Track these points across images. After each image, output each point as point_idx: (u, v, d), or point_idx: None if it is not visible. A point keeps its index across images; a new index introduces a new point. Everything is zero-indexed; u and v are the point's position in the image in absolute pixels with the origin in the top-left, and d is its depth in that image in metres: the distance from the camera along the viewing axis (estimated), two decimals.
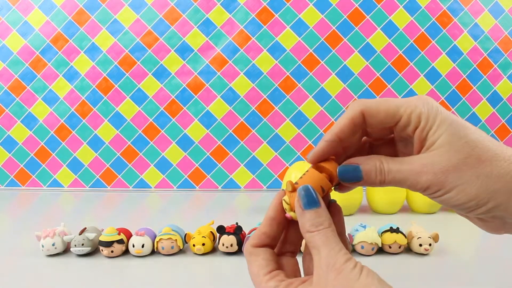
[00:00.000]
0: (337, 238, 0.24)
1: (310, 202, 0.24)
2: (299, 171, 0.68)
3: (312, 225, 0.24)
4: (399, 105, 0.25)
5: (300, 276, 0.27)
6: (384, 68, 0.91)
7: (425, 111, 0.24)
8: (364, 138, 0.29)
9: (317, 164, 0.27)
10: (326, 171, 0.26)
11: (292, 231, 0.28)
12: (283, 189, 0.27)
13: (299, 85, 0.92)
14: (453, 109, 0.92)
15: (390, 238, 0.48)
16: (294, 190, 0.26)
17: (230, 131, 0.93)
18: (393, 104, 0.25)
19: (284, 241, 0.28)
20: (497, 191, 0.23)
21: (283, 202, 0.26)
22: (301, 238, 0.28)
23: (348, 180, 0.26)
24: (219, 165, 0.94)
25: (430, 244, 0.48)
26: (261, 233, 0.27)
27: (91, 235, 0.49)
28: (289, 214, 0.26)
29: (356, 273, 0.22)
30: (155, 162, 0.95)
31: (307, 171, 0.27)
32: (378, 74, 0.92)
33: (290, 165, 0.93)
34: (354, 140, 0.28)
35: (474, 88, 0.92)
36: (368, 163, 0.26)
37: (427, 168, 0.24)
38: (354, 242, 0.48)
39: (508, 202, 0.23)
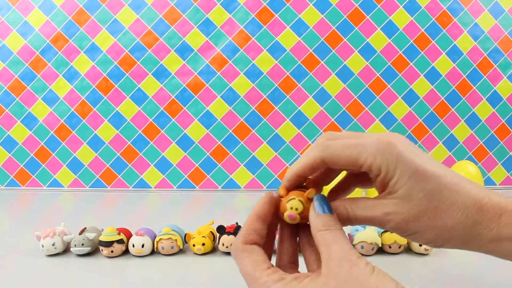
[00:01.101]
0: (348, 240, 0.25)
1: (324, 208, 0.26)
2: None
3: (325, 225, 0.25)
4: (359, 154, 0.26)
5: None
6: (384, 68, 0.91)
7: (384, 163, 0.26)
8: None
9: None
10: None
11: (287, 243, 0.29)
12: (269, 191, 0.29)
13: (299, 85, 0.92)
14: (453, 109, 0.92)
15: (390, 238, 0.48)
16: (311, 200, 0.28)
17: (230, 131, 0.93)
18: (354, 152, 0.26)
19: (283, 253, 0.29)
20: (451, 238, 0.26)
21: (291, 205, 0.27)
22: (292, 249, 0.29)
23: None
24: (219, 165, 0.94)
25: None
26: (251, 229, 0.27)
27: (91, 235, 0.49)
28: (293, 213, 0.27)
29: (370, 269, 0.22)
30: (155, 162, 0.95)
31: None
32: (378, 74, 0.92)
33: (290, 165, 0.93)
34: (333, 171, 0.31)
35: (474, 88, 0.92)
36: (336, 211, 0.27)
37: (390, 217, 0.26)
38: (354, 242, 0.48)
39: (461, 245, 0.27)
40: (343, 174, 0.32)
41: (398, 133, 0.28)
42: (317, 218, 0.26)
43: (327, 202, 0.27)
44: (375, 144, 0.26)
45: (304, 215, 0.27)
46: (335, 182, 0.33)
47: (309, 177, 0.30)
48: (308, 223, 0.28)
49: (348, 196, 0.32)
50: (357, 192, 0.67)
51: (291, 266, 0.28)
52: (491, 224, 0.25)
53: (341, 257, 0.23)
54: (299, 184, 0.29)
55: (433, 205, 0.25)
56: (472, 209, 0.25)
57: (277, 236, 0.31)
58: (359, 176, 0.31)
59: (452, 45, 0.91)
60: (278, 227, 0.30)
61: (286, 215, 0.27)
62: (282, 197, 0.28)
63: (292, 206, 0.27)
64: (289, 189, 0.29)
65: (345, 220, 0.28)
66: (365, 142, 0.27)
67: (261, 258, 0.25)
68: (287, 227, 0.30)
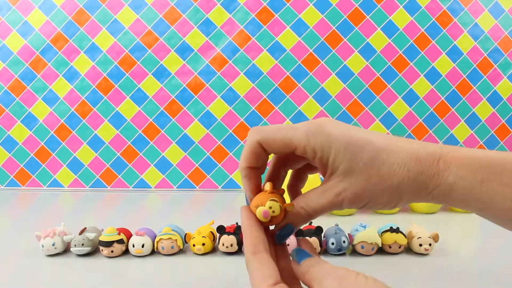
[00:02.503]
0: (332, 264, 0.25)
1: (303, 257, 0.27)
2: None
3: (307, 266, 0.26)
4: (292, 137, 0.27)
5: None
6: (384, 68, 0.91)
7: (318, 144, 0.27)
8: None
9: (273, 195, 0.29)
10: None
11: (282, 260, 0.30)
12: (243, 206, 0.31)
13: (299, 85, 0.92)
14: (453, 109, 0.92)
15: (390, 238, 0.48)
16: (285, 211, 0.29)
17: (230, 131, 0.93)
18: (287, 135, 0.28)
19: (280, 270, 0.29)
20: (402, 195, 0.27)
21: (271, 205, 0.28)
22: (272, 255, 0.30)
23: (288, 237, 0.30)
24: (219, 165, 0.94)
25: (430, 244, 0.48)
26: (253, 237, 0.27)
27: (91, 235, 0.49)
28: (269, 212, 0.28)
29: (362, 278, 0.22)
30: (155, 162, 0.95)
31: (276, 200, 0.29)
32: (378, 74, 0.92)
33: None
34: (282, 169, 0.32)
35: (474, 88, 0.92)
36: (295, 216, 0.29)
37: (342, 196, 0.27)
38: (354, 242, 0.48)
39: (412, 199, 0.28)
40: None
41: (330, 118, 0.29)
42: (300, 266, 0.26)
43: (303, 250, 0.27)
44: (306, 127, 0.28)
45: (274, 219, 0.28)
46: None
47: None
48: (271, 226, 0.30)
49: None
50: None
51: (294, 281, 0.28)
52: (431, 171, 0.26)
53: (330, 277, 0.23)
54: (258, 178, 0.30)
55: (375, 170, 0.26)
56: (411, 162, 0.26)
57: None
58: (306, 165, 0.33)
59: (452, 45, 0.91)
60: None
61: (261, 210, 0.28)
62: (265, 190, 0.29)
63: (271, 206, 0.28)
64: (254, 189, 0.30)
65: (306, 217, 0.29)
66: (297, 127, 0.28)
67: (270, 272, 0.25)
68: (280, 245, 0.31)
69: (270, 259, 0.26)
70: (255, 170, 0.29)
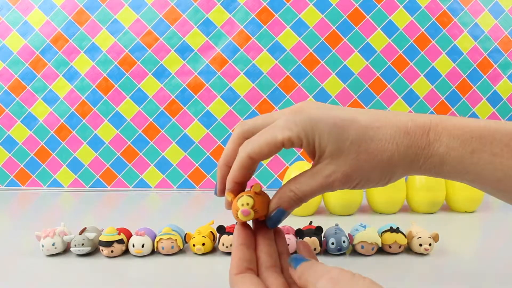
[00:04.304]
0: (327, 265, 0.25)
1: (299, 262, 0.26)
2: (299, 171, 0.68)
3: (303, 269, 0.25)
4: (275, 133, 0.27)
5: None
6: (384, 68, 0.91)
7: (301, 131, 0.26)
8: None
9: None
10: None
11: (261, 244, 0.29)
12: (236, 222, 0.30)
13: (299, 85, 0.92)
14: (453, 109, 0.92)
15: (390, 238, 0.48)
16: (258, 194, 0.29)
17: (230, 131, 0.93)
18: (269, 136, 0.27)
19: (258, 257, 0.28)
20: (394, 169, 0.27)
21: (242, 202, 0.28)
22: (273, 249, 0.29)
23: (280, 221, 0.29)
24: None
25: (430, 244, 0.48)
26: (239, 258, 0.27)
27: (91, 235, 0.49)
28: (246, 208, 0.28)
29: (358, 279, 0.22)
30: (155, 162, 0.95)
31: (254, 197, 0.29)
32: (378, 74, 0.92)
33: (290, 165, 0.93)
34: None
35: (474, 88, 0.92)
36: (285, 199, 0.28)
37: (332, 178, 0.27)
38: (354, 242, 0.48)
39: (405, 172, 0.27)
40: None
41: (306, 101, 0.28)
42: (296, 271, 0.25)
43: (299, 256, 0.27)
44: (286, 118, 0.27)
45: (256, 209, 0.28)
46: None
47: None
48: (262, 219, 0.29)
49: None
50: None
51: (273, 270, 0.28)
52: (421, 143, 0.26)
53: (324, 278, 0.22)
54: (241, 190, 0.30)
55: (363, 148, 0.26)
56: (400, 136, 0.26)
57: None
58: None
59: (452, 45, 0.91)
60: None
61: (240, 212, 0.28)
62: (231, 202, 0.29)
63: (243, 202, 0.28)
64: (235, 193, 0.30)
65: (296, 201, 0.28)
66: (277, 123, 0.27)
67: (254, 287, 0.24)
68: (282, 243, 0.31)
69: (252, 276, 0.26)
70: (241, 184, 0.29)
